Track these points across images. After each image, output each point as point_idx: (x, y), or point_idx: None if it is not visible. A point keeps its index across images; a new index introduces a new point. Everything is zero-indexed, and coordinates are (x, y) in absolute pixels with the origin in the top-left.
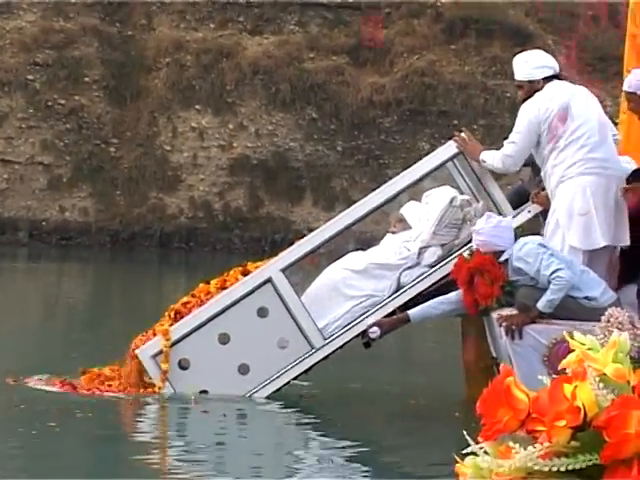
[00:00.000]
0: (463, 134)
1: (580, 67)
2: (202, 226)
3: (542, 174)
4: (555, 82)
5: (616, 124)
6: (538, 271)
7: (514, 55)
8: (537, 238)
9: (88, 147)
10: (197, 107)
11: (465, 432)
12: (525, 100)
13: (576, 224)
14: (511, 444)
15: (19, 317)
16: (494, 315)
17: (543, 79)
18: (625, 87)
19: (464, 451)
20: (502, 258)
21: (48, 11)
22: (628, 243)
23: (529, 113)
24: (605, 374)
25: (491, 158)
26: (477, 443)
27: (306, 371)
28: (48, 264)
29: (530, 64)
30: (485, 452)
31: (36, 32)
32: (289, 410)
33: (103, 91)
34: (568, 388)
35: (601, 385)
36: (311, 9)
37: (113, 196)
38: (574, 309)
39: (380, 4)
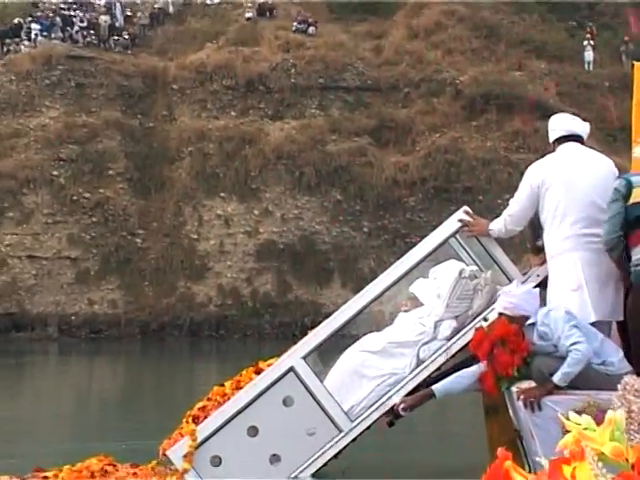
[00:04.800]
0: (466, 215)
1: (601, 137)
2: (231, 313)
3: (542, 239)
4: (567, 145)
5: None
6: (559, 338)
7: (535, 129)
8: (564, 306)
9: (115, 239)
10: (222, 195)
11: None
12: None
13: (569, 300)
14: None
15: (50, 410)
16: (514, 388)
17: (554, 141)
18: None
19: None
20: (529, 322)
21: (70, 107)
22: (622, 318)
23: (530, 175)
24: (603, 453)
25: (496, 224)
26: None
27: (336, 455)
28: (79, 358)
29: (549, 129)
30: None
31: (59, 128)
32: None
33: (127, 183)
34: (567, 469)
35: (600, 464)
36: (331, 92)
37: (141, 287)
38: (591, 376)
39: (399, 84)
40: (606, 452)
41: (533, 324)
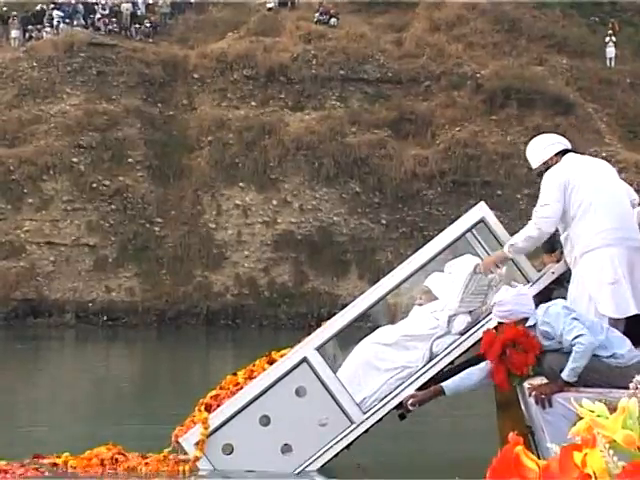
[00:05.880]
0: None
1: (622, 133)
2: (248, 303)
3: (562, 238)
4: (571, 154)
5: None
6: (561, 334)
7: (556, 123)
8: (561, 301)
9: (133, 227)
10: (241, 184)
11: None
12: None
13: (606, 293)
14: None
15: (65, 396)
16: (525, 384)
17: (556, 155)
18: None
19: None
20: (528, 324)
21: (91, 94)
22: None
23: (554, 178)
24: (615, 441)
25: (521, 236)
26: None
27: (347, 446)
28: (95, 345)
29: (538, 148)
30: None
31: (80, 115)
32: None
33: (147, 171)
34: (578, 456)
35: (611, 452)
36: (352, 84)
37: (159, 275)
38: (601, 369)
39: (420, 77)
40: (618, 440)
41: (533, 325)
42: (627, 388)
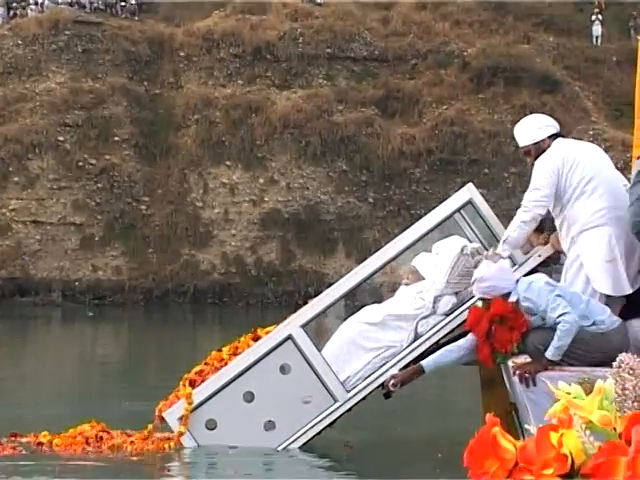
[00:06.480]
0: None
1: (608, 112)
2: (235, 281)
3: (557, 222)
4: (561, 139)
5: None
6: (545, 311)
7: (543, 102)
8: (542, 276)
9: (119, 205)
10: (227, 163)
11: None
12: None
13: (603, 271)
14: None
15: (50, 375)
16: (510, 363)
17: (548, 137)
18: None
19: None
20: (511, 299)
21: (77, 72)
22: None
23: (546, 163)
24: (591, 421)
25: (512, 226)
26: None
27: (330, 424)
28: (82, 323)
29: (531, 126)
30: None
31: (65, 93)
32: (317, 458)
33: (133, 149)
34: (555, 436)
35: (587, 432)
36: (339, 62)
37: (145, 254)
38: (586, 339)
39: (407, 55)
40: (594, 420)
41: (516, 302)
42: (611, 354)
